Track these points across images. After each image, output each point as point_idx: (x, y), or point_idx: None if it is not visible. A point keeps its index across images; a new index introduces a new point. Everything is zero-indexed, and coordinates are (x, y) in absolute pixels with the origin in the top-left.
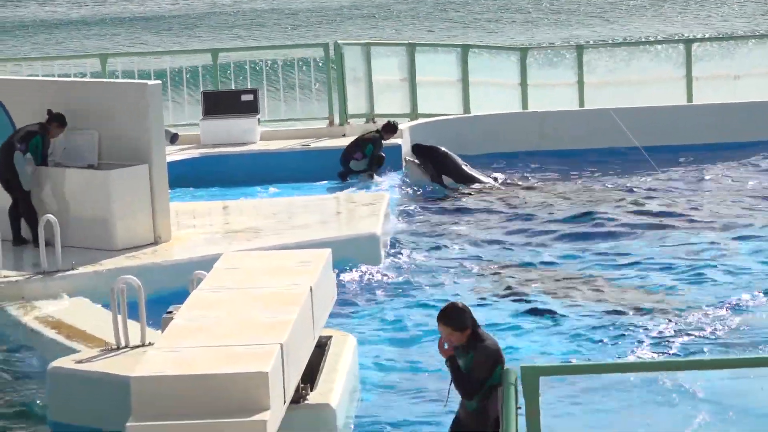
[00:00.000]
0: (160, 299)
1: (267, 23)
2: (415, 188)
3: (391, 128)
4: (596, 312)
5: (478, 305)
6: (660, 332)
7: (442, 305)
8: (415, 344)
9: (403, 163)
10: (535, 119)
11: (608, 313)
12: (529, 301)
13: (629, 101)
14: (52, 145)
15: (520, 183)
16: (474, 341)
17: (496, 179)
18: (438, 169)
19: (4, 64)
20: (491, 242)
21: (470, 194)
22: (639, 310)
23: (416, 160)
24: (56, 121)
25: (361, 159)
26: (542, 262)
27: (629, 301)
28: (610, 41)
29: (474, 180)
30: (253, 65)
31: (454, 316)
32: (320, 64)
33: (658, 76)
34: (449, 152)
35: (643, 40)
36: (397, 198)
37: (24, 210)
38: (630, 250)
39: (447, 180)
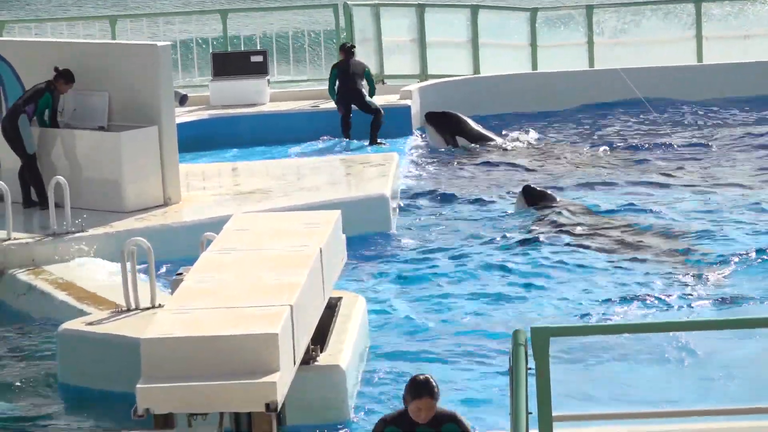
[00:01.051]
0: (170, 261)
1: None
2: (427, 149)
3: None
4: (611, 269)
5: (487, 266)
6: (674, 290)
7: (452, 271)
8: (424, 305)
9: (423, 128)
10: (544, 80)
11: (623, 270)
12: (542, 261)
13: (639, 61)
14: (61, 102)
15: (532, 142)
16: (445, 413)
17: (511, 139)
18: (453, 133)
19: (13, 26)
20: (503, 200)
21: (484, 153)
22: (654, 267)
23: (431, 127)
24: (63, 77)
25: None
26: (555, 221)
27: (643, 260)
28: (620, 1)
29: (488, 139)
30: (263, 34)
31: (436, 388)
32: (328, 28)
33: (668, 36)
34: (461, 115)
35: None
36: (407, 159)
37: (29, 173)
38: (645, 207)
39: (462, 141)
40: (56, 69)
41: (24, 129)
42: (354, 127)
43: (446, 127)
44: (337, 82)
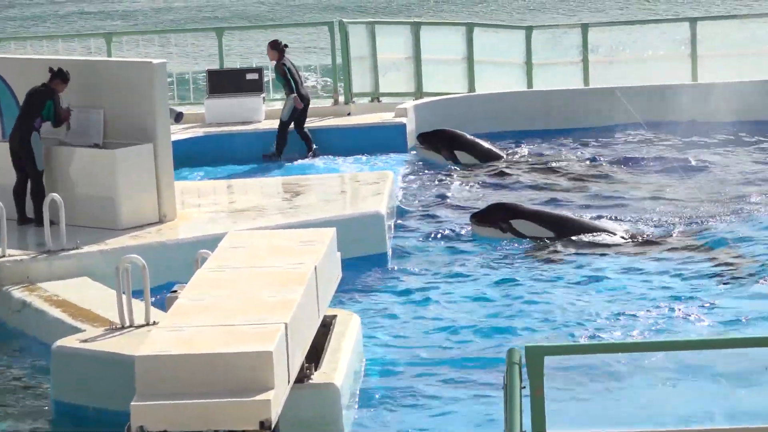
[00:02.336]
0: (165, 278)
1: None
2: (422, 166)
3: (60, 74)
4: (611, 289)
5: (483, 284)
6: (671, 306)
7: (448, 288)
8: (419, 323)
9: (416, 149)
10: (540, 98)
11: (619, 287)
12: (538, 279)
13: (635, 80)
14: (61, 101)
15: (529, 160)
16: None
17: (507, 155)
18: (451, 148)
19: (9, 43)
20: None
21: (482, 170)
22: (653, 288)
23: (426, 148)
24: (58, 77)
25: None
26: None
27: (639, 276)
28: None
29: (487, 154)
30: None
31: None
32: (323, 47)
33: (664, 54)
34: (456, 131)
35: (648, 18)
36: (402, 176)
37: (34, 189)
38: (646, 226)
39: (462, 156)
40: (51, 69)
41: (36, 146)
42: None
43: (443, 144)
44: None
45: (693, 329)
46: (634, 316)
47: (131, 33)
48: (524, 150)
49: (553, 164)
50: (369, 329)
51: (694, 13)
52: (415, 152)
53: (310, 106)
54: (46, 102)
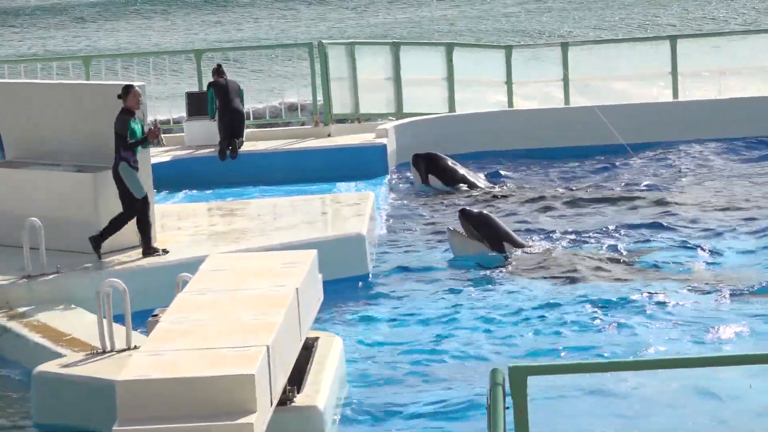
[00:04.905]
0: (146, 302)
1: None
2: (404, 188)
3: (124, 91)
4: (590, 312)
5: (465, 305)
6: (656, 324)
7: (430, 309)
8: (402, 344)
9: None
10: (520, 117)
11: (603, 305)
12: (520, 298)
13: (615, 98)
14: (142, 115)
15: (507, 184)
16: None
17: (488, 185)
18: (427, 172)
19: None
20: None
21: (459, 195)
22: (632, 308)
23: (414, 168)
24: (124, 95)
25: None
26: (532, 267)
27: (622, 294)
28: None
29: (459, 181)
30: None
31: None
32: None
33: (644, 72)
34: (436, 154)
35: (628, 37)
36: (383, 198)
37: (138, 218)
38: (626, 250)
39: (433, 181)
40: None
41: (127, 176)
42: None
43: (421, 166)
44: (216, 101)
45: (680, 347)
46: (619, 334)
47: (110, 56)
48: (506, 182)
49: (531, 193)
50: (351, 351)
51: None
52: (397, 174)
53: (291, 127)
54: (128, 122)
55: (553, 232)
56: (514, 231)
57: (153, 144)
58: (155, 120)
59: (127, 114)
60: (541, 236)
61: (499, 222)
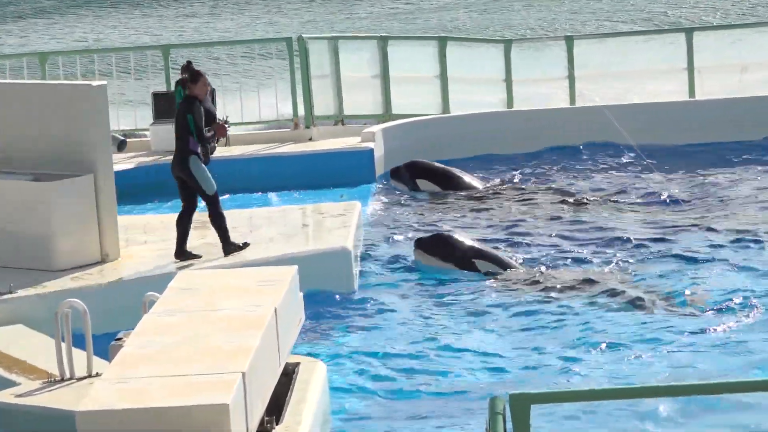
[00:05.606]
0: (108, 324)
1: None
2: (391, 194)
3: (192, 76)
4: (586, 332)
5: (458, 324)
6: (661, 345)
7: (420, 330)
8: (390, 369)
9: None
10: (521, 119)
11: (603, 323)
12: (515, 316)
13: (625, 97)
14: (206, 102)
15: (504, 189)
16: None
17: (484, 187)
18: (413, 177)
19: None
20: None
21: (451, 201)
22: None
23: (395, 182)
24: (192, 81)
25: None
26: (530, 281)
27: (622, 316)
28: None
29: (457, 182)
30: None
31: None
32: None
33: (657, 68)
34: (420, 160)
35: (640, 29)
36: (370, 208)
37: (212, 214)
38: (629, 260)
39: (423, 184)
40: (181, 79)
41: (197, 169)
42: None
43: (406, 174)
44: None
45: (686, 368)
46: (620, 356)
47: (68, 52)
48: (499, 179)
49: (530, 195)
50: (336, 378)
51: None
52: (385, 181)
53: (270, 130)
54: (188, 117)
55: (546, 242)
56: (509, 238)
57: (217, 143)
58: (226, 117)
59: (190, 106)
60: (531, 246)
61: (463, 240)
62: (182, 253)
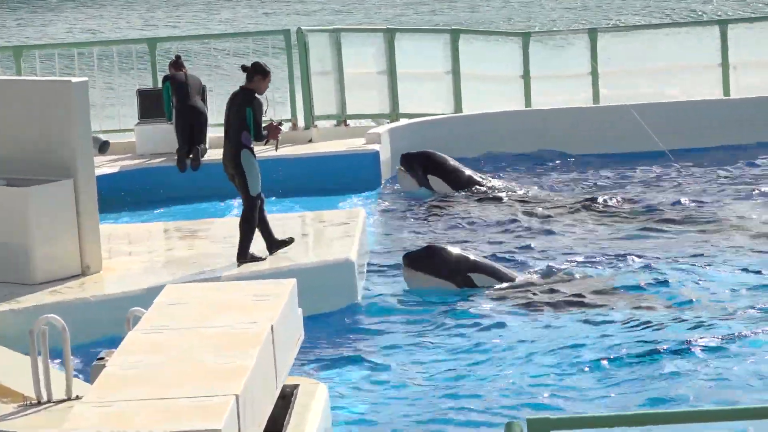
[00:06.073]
0: (90, 343)
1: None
2: (398, 200)
3: (259, 69)
4: (609, 345)
5: (468, 340)
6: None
7: (428, 348)
8: (397, 392)
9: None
10: (539, 118)
11: (619, 337)
12: (531, 333)
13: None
14: (264, 101)
15: (520, 192)
16: None
17: (496, 187)
18: (425, 171)
19: None
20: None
21: (464, 206)
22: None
23: (404, 170)
24: (258, 73)
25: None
26: (547, 290)
27: (639, 331)
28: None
29: (473, 183)
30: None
31: None
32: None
33: (689, 64)
34: (436, 153)
35: (669, 21)
36: (375, 215)
37: (244, 215)
38: (649, 277)
39: (438, 184)
40: (244, 67)
41: (248, 166)
42: None
43: (417, 166)
44: (174, 99)
45: (711, 389)
46: (641, 373)
47: (46, 46)
48: (517, 185)
49: (547, 201)
50: (337, 401)
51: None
52: (390, 184)
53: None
54: (246, 111)
55: (565, 252)
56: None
57: (266, 144)
58: (281, 119)
59: (249, 100)
60: (550, 259)
61: (456, 252)
62: (275, 244)
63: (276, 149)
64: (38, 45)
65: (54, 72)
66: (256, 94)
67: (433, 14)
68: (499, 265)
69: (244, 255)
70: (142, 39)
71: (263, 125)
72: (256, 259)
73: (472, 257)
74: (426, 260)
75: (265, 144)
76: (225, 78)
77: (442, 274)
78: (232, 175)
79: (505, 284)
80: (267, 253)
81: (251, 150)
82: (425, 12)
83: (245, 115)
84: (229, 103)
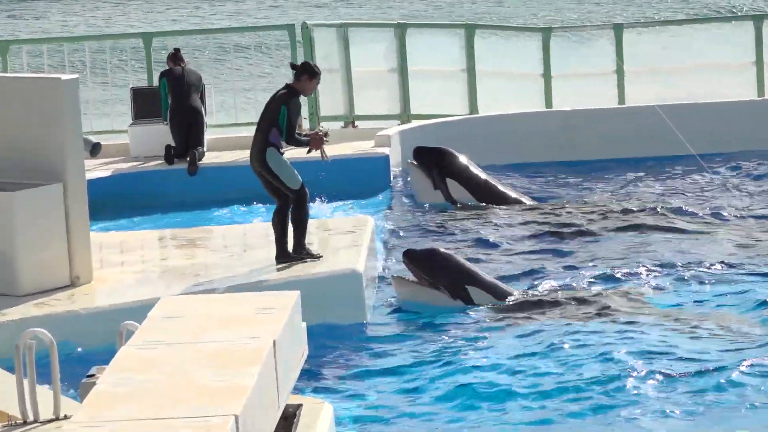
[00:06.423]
0: (79, 358)
1: None
2: (410, 208)
3: (308, 69)
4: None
5: (481, 360)
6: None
7: (439, 367)
8: (407, 413)
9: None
10: (560, 120)
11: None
12: (548, 354)
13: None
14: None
15: (535, 203)
16: None
17: (518, 197)
18: (443, 174)
19: None
20: (506, 278)
21: (484, 215)
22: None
23: (417, 166)
24: (306, 73)
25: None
26: (569, 319)
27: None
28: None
29: (495, 191)
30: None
31: None
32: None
33: (721, 62)
34: (457, 153)
35: (699, 16)
36: (385, 223)
37: (294, 215)
38: (682, 292)
39: (454, 189)
40: (293, 65)
41: (276, 162)
42: None
43: (434, 165)
44: (169, 97)
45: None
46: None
47: (34, 41)
48: (529, 193)
49: (576, 211)
50: (343, 423)
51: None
52: (402, 191)
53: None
54: (281, 108)
55: (565, 267)
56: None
57: (308, 153)
58: (328, 129)
59: (284, 96)
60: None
61: (458, 260)
62: (284, 256)
63: (323, 159)
64: (26, 40)
65: (43, 69)
66: (301, 95)
67: (451, 8)
68: (499, 282)
69: (300, 251)
70: (136, 33)
71: (307, 132)
72: (312, 256)
73: (472, 270)
74: (425, 262)
75: (308, 153)
76: (227, 74)
77: (438, 281)
78: (259, 172)
79: (507, 301)
80: (320, 252)
81: (277, 147)
82: (443, 4)
83: (279, 113)
84: (270, 98)
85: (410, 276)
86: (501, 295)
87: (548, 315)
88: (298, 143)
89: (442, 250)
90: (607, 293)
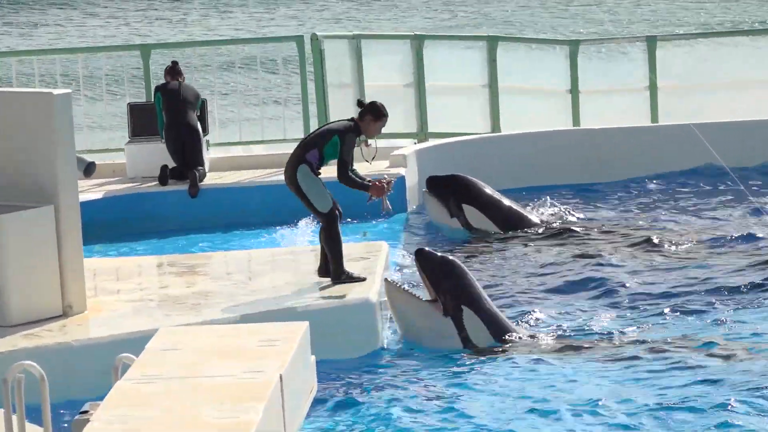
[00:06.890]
0: (72, 393)
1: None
2: (427, 232)
3: (374, 110)
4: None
5: (500, 387)
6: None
7: (456, 400)
8: None
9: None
10: (589, 139)
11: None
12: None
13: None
14: (359, 144)
15: (556, 227)
16: None
17: (544, 222)
18: (459, 200)
19: None
20: (525, 306)
21: (505, 242)
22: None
23: (432, 195)
24: (370, 113)
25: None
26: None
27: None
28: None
29: (516, 215)
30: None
31: None
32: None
33: (760, 78)
34: (473, 179)
35: (733, 29)
36: (399, 249)
37: (327, 237)
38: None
39: (472, 215)
40: (360, 102)
41: (307, 182)
42: None
43: (450, 193)
44: (164, 113)
45: None
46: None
47: (24, 53)
48: (566, 213)
49: (605, 239)
50: None
51: None
52: (417, 214)
53: (274, 152)
54: (333, 137)
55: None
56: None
57: (368, 201)
58: (392, 180)
59: (345, 129)
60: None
61: (469, 278)
62: (340, 274)
63: (383, 211)
64: (14, 52)
65: (33, 83)
66: (362, 135)
67: (476, 20)
68: (501, 316)
69: (339, 275)
70: (134, 45)
71: (370, 179)
72: (355, 279)
73: (478, 293)
74: (435, 266)
75: (367, 202)
76: (232, 85)
77: (439, 290)
78: (297, 193)
79: (502, 337)
80: (363, 273)
81: (312, 166)
82: (467, 15)
83: (329, 140)
84: (328, 122)
85: (403, 284)
86: (497, 328)
87: (546, 359)
88: (355, 184)
89: (457, 261)
90: (621, 340)
